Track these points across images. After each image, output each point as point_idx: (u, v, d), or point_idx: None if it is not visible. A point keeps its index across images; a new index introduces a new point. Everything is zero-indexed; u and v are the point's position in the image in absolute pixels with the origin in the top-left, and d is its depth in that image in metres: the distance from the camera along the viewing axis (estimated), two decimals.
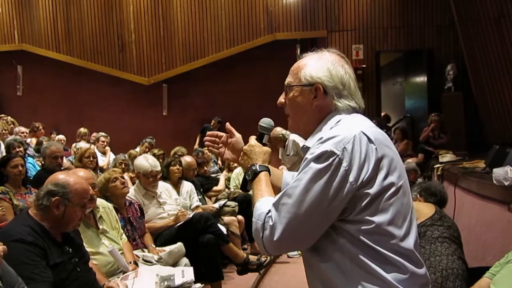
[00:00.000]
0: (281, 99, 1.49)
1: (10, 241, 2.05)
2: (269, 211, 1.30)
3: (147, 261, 3.27)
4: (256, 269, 4.01)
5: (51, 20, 10.00)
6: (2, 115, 8.12)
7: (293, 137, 5.62)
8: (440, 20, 9.23)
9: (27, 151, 5.65)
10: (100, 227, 3.00)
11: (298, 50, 9.58)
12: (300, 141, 5.50)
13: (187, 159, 5.14)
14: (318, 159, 1.25)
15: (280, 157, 5.90)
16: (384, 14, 9.34)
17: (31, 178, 4.42)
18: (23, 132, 7.02)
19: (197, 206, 4.55)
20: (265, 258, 4.04)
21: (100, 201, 3.16)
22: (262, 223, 1.30)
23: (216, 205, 4.87)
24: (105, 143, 7.12)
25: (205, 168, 5.92)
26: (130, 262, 3.02)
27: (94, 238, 2.92)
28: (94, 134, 7.82)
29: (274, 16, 9.53)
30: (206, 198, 5.37)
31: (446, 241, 2.76)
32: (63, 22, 9.98)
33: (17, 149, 4.97)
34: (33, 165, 5.31)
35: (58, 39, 10.02)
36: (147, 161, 4.03)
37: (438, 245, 2.73)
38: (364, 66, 9.26)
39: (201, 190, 5.24)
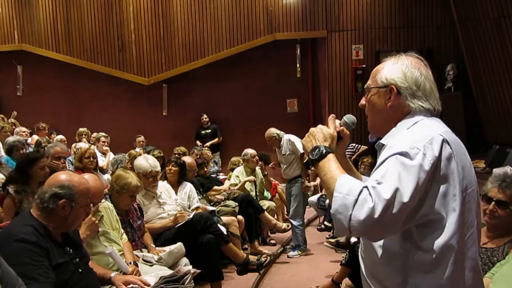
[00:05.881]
0: (362, 101, 1.54)
1: (13, 240, 2.03)
2: (364, 187, 1.24)
3: (147, 261, 3.26)
4: (256, 269, 4.01)
5: (51, 20, 9.99)
6: (2, 115, 8.12)
7: (288, 136, 5.56)
8: (440, 20, 9.23)
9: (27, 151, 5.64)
10: (100, 229, 2.98)
11: (298, 50, 9.59)
12: (296, 140, 5.43)
13: (187, 160, 5.08)
14: (402, 154, 1.29)
15: (279, 159, 5.87)
16: (384, 14, 9.34)
17: None
18: (24, 132, 7.02)
19: (197, 207, 4.53)
20: (265, 258, 4.04)
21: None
22: (355, 198, 1.23)
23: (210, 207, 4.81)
24: (106, 144, 7.11)
25: (205, 169, 5.90)
26: (130, 263, 3.00)
27: (94, 239, 2.92)
28: (94, 134, 7.81)
29: (274, 16, 9.52)
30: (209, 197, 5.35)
31: None
32: (63, 22, 9.97)
33: (20, 151, 4.94)
34: None
35: (58, 39, 10.00)
36: (147, 161, 4.01)
37: None
38: (364, 66, 9.26)
39: (201, 190, 5.23)
